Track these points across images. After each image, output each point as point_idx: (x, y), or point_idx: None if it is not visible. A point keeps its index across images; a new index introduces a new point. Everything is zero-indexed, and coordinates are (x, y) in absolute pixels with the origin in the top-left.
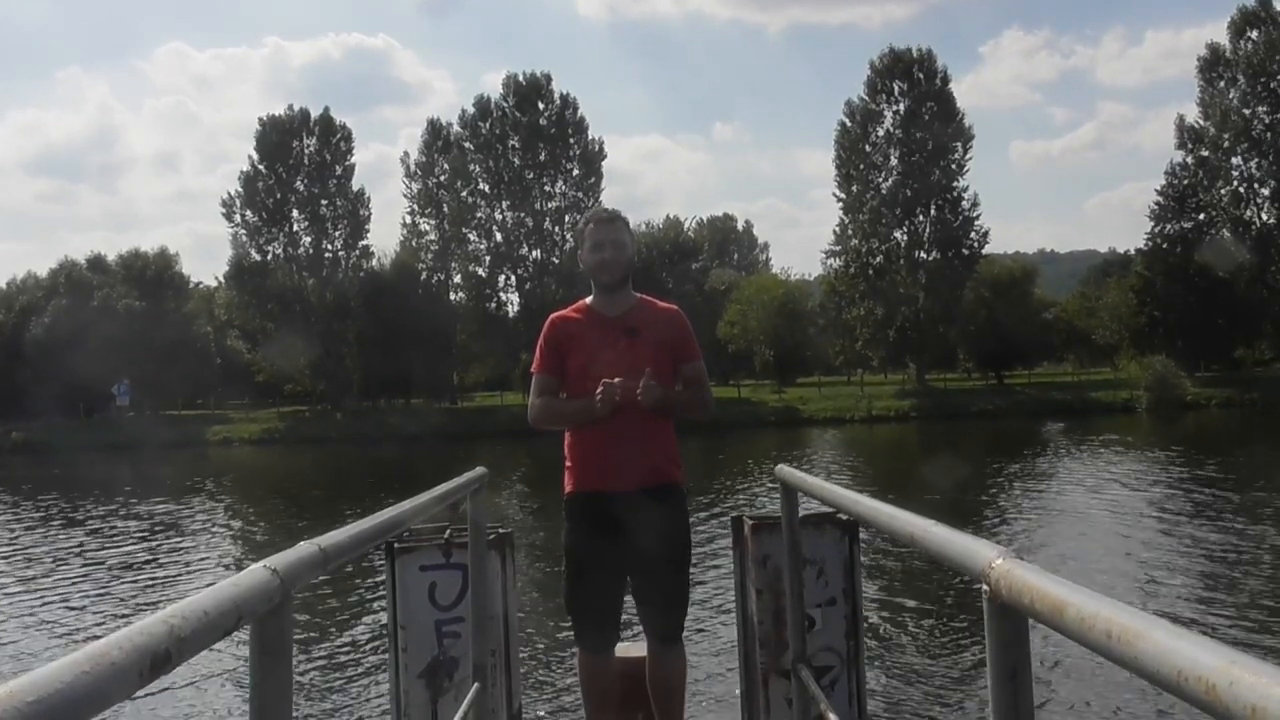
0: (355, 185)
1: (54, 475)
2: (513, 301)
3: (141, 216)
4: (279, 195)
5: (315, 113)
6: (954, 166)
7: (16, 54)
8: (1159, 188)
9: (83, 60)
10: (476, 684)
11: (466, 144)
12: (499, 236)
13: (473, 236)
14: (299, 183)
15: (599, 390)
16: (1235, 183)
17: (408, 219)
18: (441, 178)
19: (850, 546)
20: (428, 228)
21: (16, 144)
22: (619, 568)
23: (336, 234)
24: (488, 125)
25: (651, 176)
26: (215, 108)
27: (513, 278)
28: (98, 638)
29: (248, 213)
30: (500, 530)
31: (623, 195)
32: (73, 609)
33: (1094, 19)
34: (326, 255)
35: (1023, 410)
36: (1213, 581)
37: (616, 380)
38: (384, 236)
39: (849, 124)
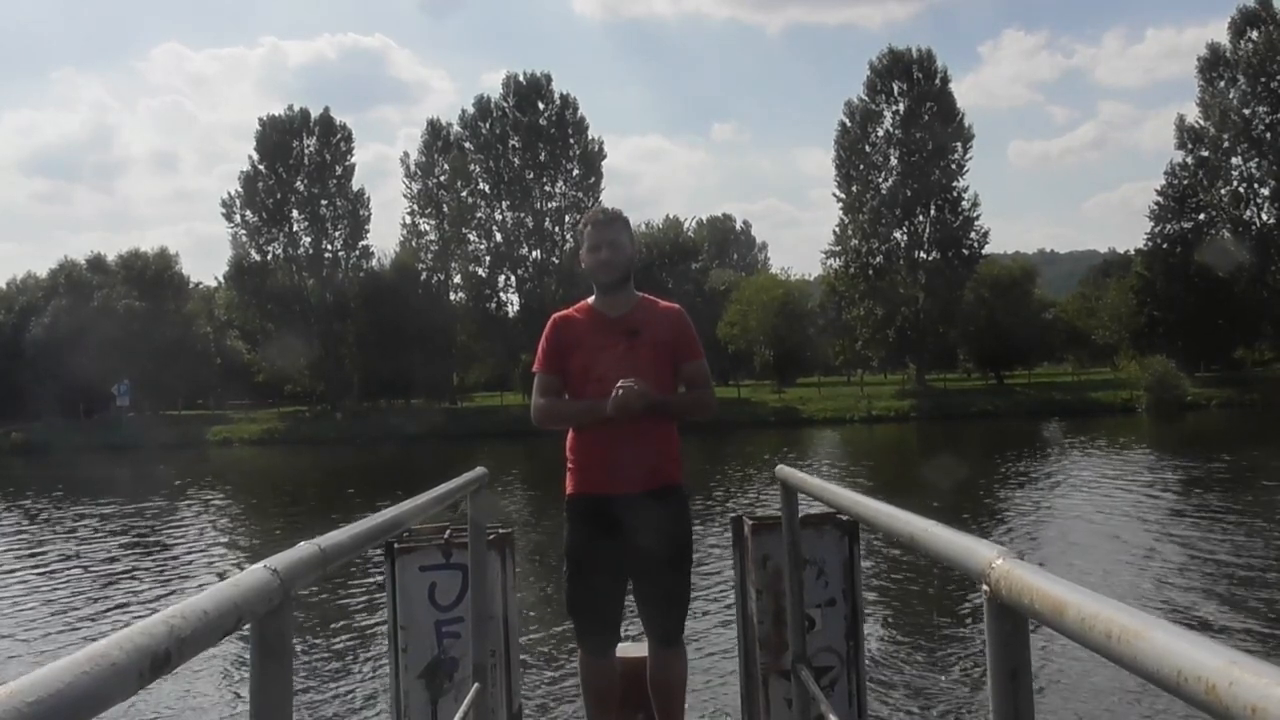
0: (355, 185)
1: (54, 475)
2: (513, 302)
3: (139, 217)
4: (279, 195)
5: (314, 113)
6: (954, 166)
7: (10, 54)
8: (1159, 188)
9: (78, 60)
10: (476, 684)
11: (466, 144)
12: (499, 237)
13: (473, 237)
14: (299, 183)
15: (616, 390)
16: (1235, 183)
17: (408, 219)
18: (441, 178)
19: (850, 547)
20: (428, 228)
21: (12, 144)
22: (620, 569)
23: (336, 234)
24: (488, 125)
25: (651, 176)
26: (212, 107)
27: (513, 278)
28: (98, 638)
29: (248, 213)
30: (500, 530)
31: (622, 195)
32: (73, 609)
33: (1095, 18)
34: (326, 255)
35: (1022, 410)
36: (1213, 581)
37: (634, 386)
38: (383, 237)
39: (849, 124)
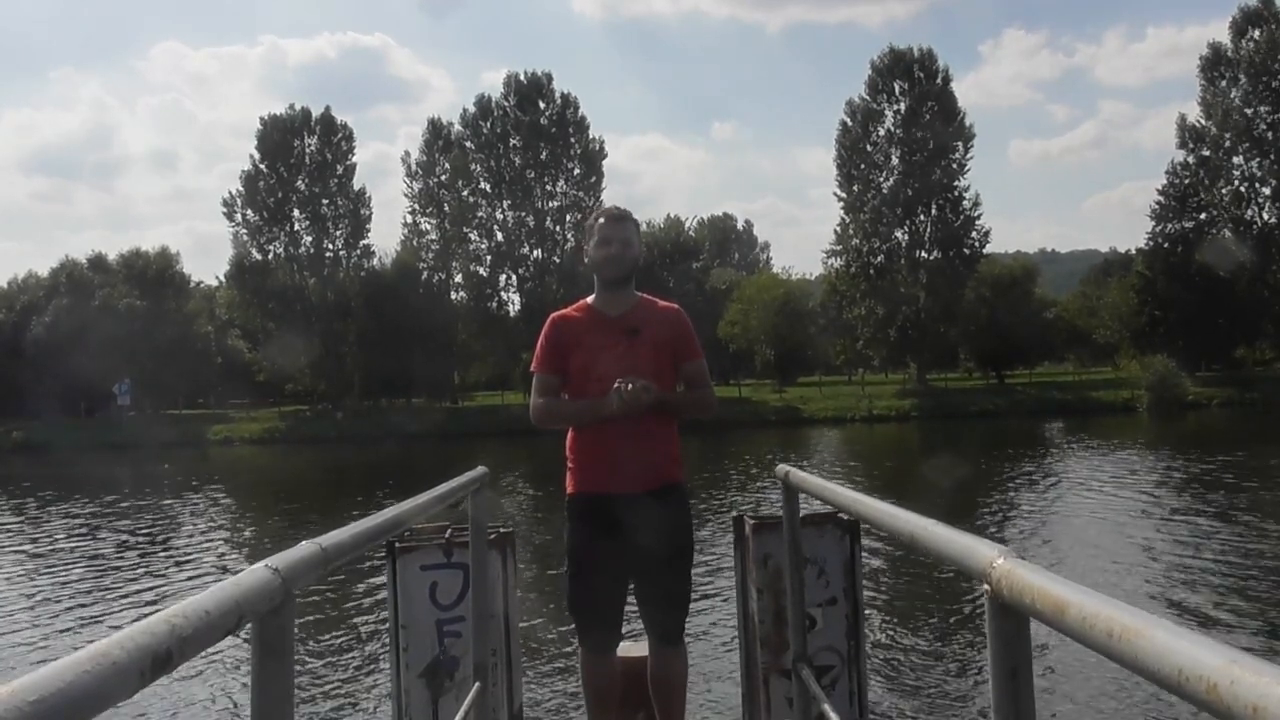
0: (356, 184)
1: (54, 474)
2: (514, 301)
3: (139, 215)
4: (280, 194)
5: (315, 111)
6: (955, 166)
7: (10, 54)
8: (1160, 187)
9: (77, 59)
10: (477, 683)
11: (468, 143)
12: (500, 236)
13: (474, 236)
14: (300, 182)
15: (615, 387)
16: (1236, 182)
17: (409, 218)
18: (442, 177)
19: (851, 546)
20: (429, 227)
21: (11, 143)
22: (621, 568)
23: (337, 233)
24: (489, 124)
25: (651, 175)
26: (212, 106)
27: (514, 277)
28: (99, 637)
29: (249, 212)
30: (501, 529)
31: (623, 194)
32: (74, 608)
33: (1095, 17)
34: (327, 254)
35: (1023, 410)
36: (1213, 581)
37: (640, 384)
38: (384, 236)
39: (850, 123)
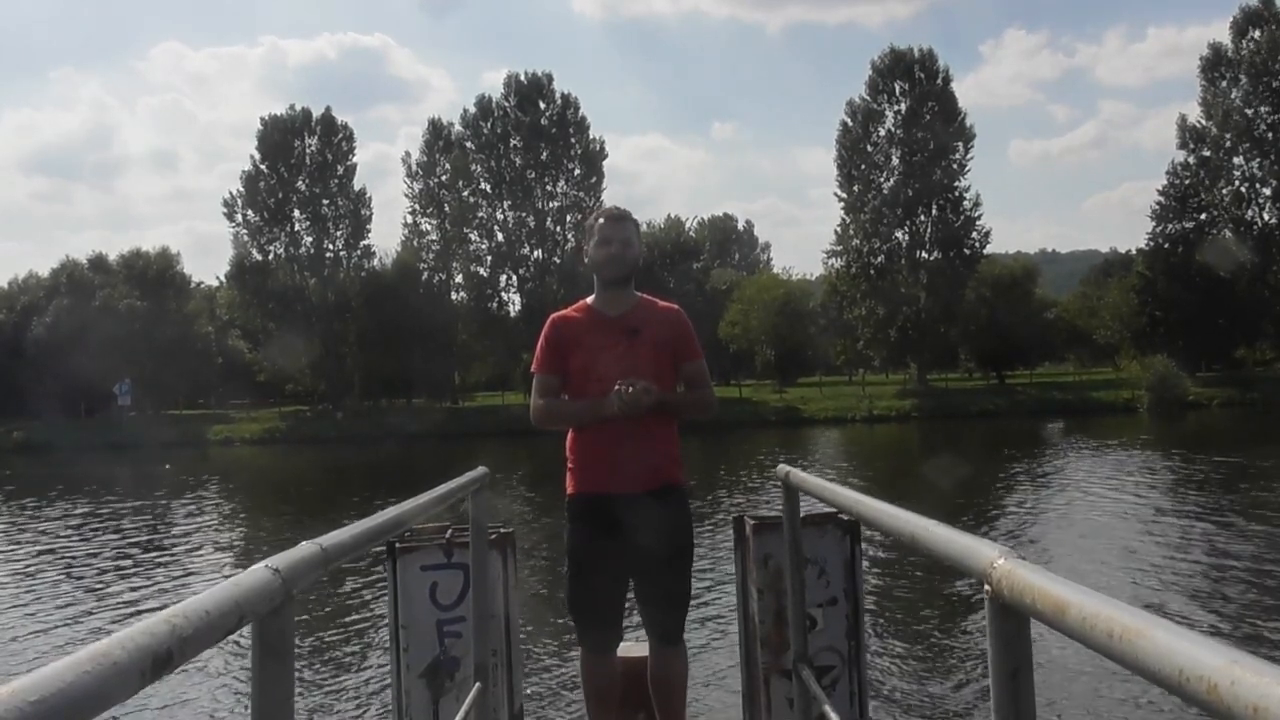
0: (356, 185)
1: (55, 474)
2: (514, 301)
3: (138, 215)
4: (280, 195)
5: (315, 111)
6: (955, 166)
7: (10, 54)
8: (1160, 187)
9: (77, 59)
10: (478, 684)
11: (468, 144)
12: (500, 236)
13: (474, 236)
14: (300, 182)
15: (617, 388)
16: (1237, 182)
17: (409, 218)
18: (443, 177)
19: (851, 546)
20: (429, 227)
21: (11, 143)
22: (621, 568)
23: (338, 234)
24: (489, 125)
25: (651, 175)
26: (212, 106)
27: (514, 277)
28: (100, 637)
29: (249, 212)
30: (501, 530)
31: (623, 194)
32: (74, 609)
33: (1096, 17)
34: (328, 255)
35: (1024, 410)
36: (1214, 581)
37: (641, 386)
38: (384, 236)
39: (850, 123)
